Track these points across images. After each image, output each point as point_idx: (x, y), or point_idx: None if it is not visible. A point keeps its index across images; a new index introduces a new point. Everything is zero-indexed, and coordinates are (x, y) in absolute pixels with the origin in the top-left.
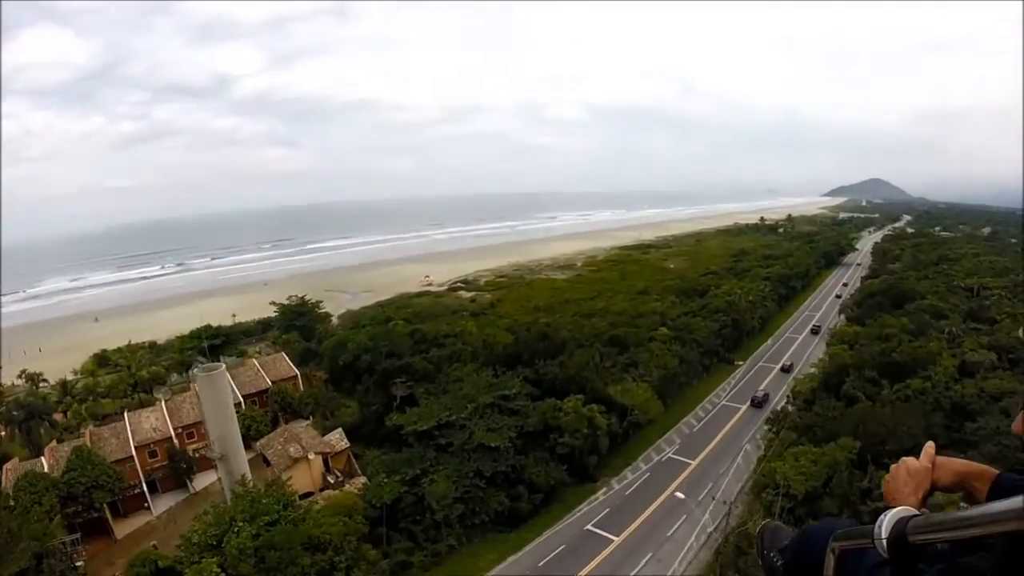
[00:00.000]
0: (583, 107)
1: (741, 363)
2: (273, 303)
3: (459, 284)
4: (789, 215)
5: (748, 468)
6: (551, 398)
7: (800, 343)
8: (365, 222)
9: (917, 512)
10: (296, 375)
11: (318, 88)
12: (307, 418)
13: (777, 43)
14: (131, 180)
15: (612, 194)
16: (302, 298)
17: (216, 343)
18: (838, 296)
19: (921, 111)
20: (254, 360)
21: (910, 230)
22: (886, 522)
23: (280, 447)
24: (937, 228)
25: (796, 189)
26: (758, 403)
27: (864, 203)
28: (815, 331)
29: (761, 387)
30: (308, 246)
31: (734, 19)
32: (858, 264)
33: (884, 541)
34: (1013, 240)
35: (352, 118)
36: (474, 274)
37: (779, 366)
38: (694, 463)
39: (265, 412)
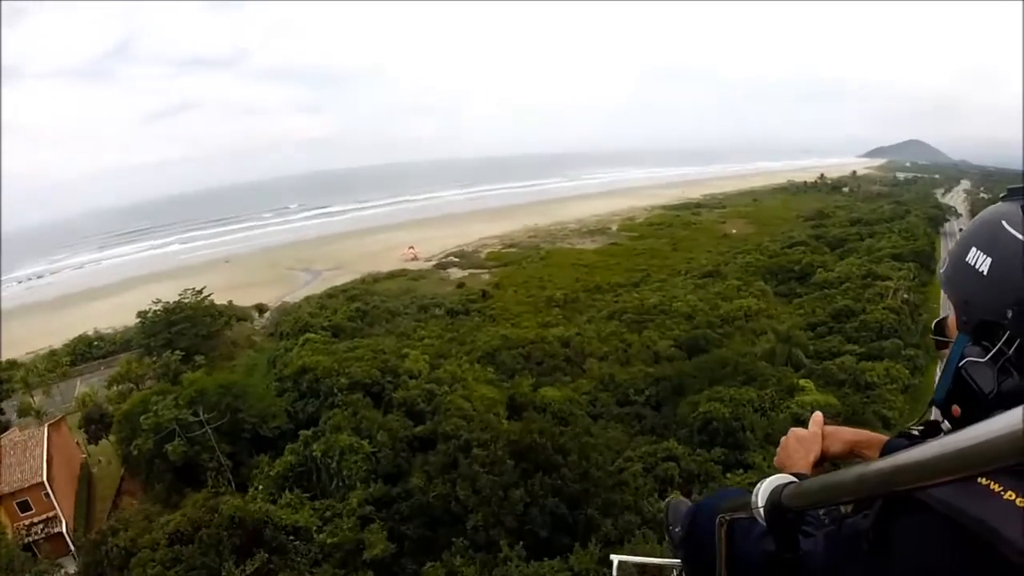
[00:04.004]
0: (604, 61)
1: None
2: (157, 301)
3: (452, 258)
4: (854, 172)
5: None
6: None
7: None
8: (384, 185)
9: (793, 479)
10: (41, 482)
11: (338, 54)
12: None
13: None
14: (157, 155)
15: (638, 151)
16: (198, 292)
17: None
18: None
19: (957, 67)
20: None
21: (984, 195)
22: (762, 490)
23: None
24: None
25: (831, 148)
26: None
27: (908, 164)
28: None
29: None
30: (301, 213)
31: None
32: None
33: (761, 510)
34: None
35: (374, 82)
36: (477, 242)
37: None
38: None
39: None
